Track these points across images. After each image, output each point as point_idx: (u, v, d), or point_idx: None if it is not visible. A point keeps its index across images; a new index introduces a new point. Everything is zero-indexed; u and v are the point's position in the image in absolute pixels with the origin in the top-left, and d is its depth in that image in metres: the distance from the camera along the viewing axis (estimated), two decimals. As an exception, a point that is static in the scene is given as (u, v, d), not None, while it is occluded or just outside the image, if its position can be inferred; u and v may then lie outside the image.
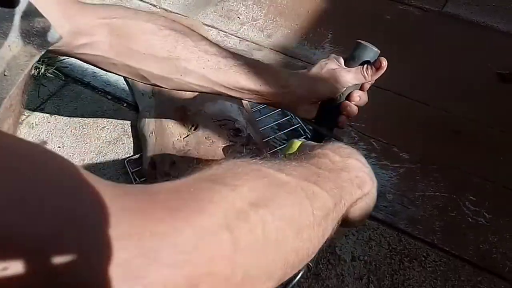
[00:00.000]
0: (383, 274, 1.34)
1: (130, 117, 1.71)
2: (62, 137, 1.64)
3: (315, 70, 1.21)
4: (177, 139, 1.50)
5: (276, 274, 0.62)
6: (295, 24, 2.11)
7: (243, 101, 1.64)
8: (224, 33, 2.07)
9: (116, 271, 0.46)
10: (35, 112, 1.71)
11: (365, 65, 1.18)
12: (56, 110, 1.72)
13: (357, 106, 1.24)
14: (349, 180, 0.80)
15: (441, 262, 1.37)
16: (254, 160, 0.68)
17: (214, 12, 2.17)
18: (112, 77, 1.82)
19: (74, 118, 1.70)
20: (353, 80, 1.19)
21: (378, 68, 1.17)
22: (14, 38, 0.77)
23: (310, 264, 0.86)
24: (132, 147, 1.62)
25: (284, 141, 1.64)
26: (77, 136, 1.65)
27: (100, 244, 0.46)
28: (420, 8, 2.21)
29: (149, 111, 1.62)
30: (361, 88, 1.24)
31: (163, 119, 1.55)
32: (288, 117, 1.70)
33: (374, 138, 1.67)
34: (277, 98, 1.23)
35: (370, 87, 1.26)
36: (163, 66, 1.18)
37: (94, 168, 1.56)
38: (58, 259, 0.44)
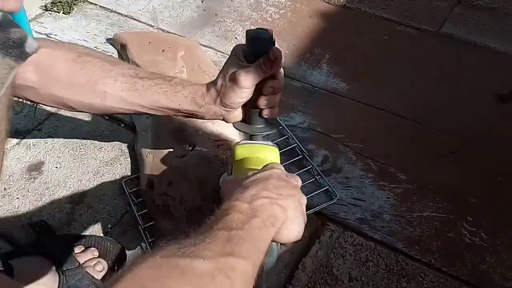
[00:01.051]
0: (381, 295, 1.34)
1: (128, 137, 1.71)
2: (59, 157, 1.64)
3: (220, 81, 1.17)
4: (174, 159, 1.50)
5: None
6: (292, 45, 2.11)
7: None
8: (221, 53, 2.07)
9: None
10: (32, 133, 1.71)
11: (262, 60, 1.10)
12: (53, 131, 1.72)
13: (274, 94, 1.18)
14: (262, 223, 0.81)
15: (438, 282, 1.37)
16: (170, 251, 0.69)
17: (212, 32, 2.18)
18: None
19: (71, 139, 1.70)
20: (254, 79, 1.12)
21: (273, 61, 1.10)
22: None
23: None
24: (130, 168, 1.62)
25: (281, 161, 1.64)
26: (74, 157, 1.65)
27: None
28: (418, 29, 2.22)
29: (146, 131, 1.62)
30: (272, 76, 1.16)
31: (161, 139, 1.55)
32: (285, 137, 1.71)
33: (371, 159, 1.67)
34: (200, 114, 1.23)
35: (279, 74, 1.17)
36: (83, 91, 1.17)
37: (91, 188, 1.56)
38: None
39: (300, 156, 1.65)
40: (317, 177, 1.59)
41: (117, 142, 1.69)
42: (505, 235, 1.48)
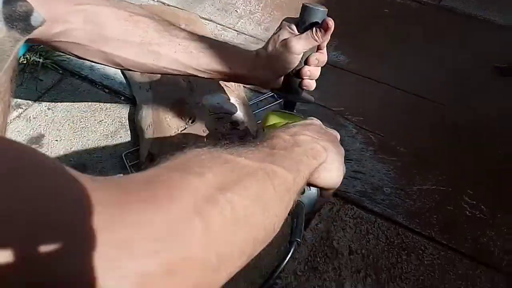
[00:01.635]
0: (381, 268, 1.34)
1: (128, 110, 1.71)
2: (59, 130, 1.64)
3: (271, 46, 1.22)
4: (175, 132, 1.50)
5: (247, 250, 0.67)
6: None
7: (240, 94, 1.64)
8: (221, 26, 2.06)
9: (95, 262, 0.47)
10: (32, 106, 1.71)
11: (314, 29, 1.17)
12: (54, 104, 1.72)
13: (318, 66, 1.25)
14: (304, 153, 0.85)
15: (438, 255, 1.37)
16: (214, 148, 0.71)
17: (212, 5, 2.17)
18: (109, 71, 1.82)
19: (72, 112, 1.69)
20: (305, 45, 1.19)
21: (326, 30, 1.16)
22: None
23: (299, 240, 0.88)
24: (130, 141, 1.62)
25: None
26: (75, 130, 1.64)
27: (81, 237, 0.47)
28: (418, 2, 2.21)
29: (147, 104, 1.61)
30: (318, 48, 1.23)
31: (161, 112, 1.55)
32: (286, 111, 1.70)
33: (371, 132, 1.67)
34: (246, 79, 1.28)
35: (326, 45, 1.24)
36: (136, 51, 1.19)
37: (92, 161, 1.56)
38: (45, 248, 0.45)
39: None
40: (318, 150, 1.59)
41: (117, 115, 1.69)
42: (505, 209, 1.48)
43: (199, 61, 1.22)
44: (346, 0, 2.22)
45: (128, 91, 1.76)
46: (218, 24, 2.07)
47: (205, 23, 2.06)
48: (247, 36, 2.01)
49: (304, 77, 1.24)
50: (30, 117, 1.67)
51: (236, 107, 1.57)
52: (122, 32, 1.17)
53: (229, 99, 1.58)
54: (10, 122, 1.64)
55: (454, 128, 1.70)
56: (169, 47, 1.19)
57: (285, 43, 1.19)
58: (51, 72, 1.82)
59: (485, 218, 1.46)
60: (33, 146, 1.59)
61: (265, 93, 1.76)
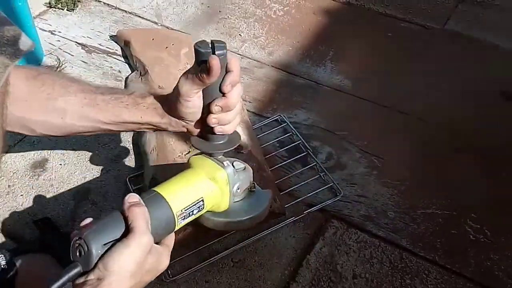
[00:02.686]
0: (385, 292, 1.34)
1: (131, 134, 1.71)
2: (63, 154, 1.64)
3: (173, 90, 1.12)
4: (179, 155, 1.50)
5: None
6: (296, 42, 2.11)
7: (244, 118, 1.64)
8: (225, 50, 2.07)
9: None
10: (36, 129, 1.71)
11: (200, 68, 1.03)
12: (58, 127, 1.72)
13: (224, 111, 1.11)
14: None
15: (442, 279, 1.37)
16: None
17: (216, 29, 2.18)
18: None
19: (76, 136, 1.69)
20: (191, 88, 1.06)
21: (209, 70, 1.01)
22: None
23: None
24: (134, 165, 1.62)
25: (285, 158, 1.64)
26: (78, 154, 1.65)
27: None
28: (422, 26, 2.22)
29: (151, 128, 1.62)
30: (222, 91, 1.08)
31: (164, 136, 1.55)
32: (289, 134, 1.71)
33: (375, 156, 1.67)
34: (161, 126, 1.18)
35: (230, 92, 1.08)
36: (44, 110, 1.14)
37: (96, 185, 1.56)
38: None
39: (304, 153, 1.65)
40: (321, 174, 1.59)
41: (121, 139, 1.70)
42: (509, 232, 1.48)
43: (107, 114, 1.15)
44: (349, 22, 2.23)
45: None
46: (222, 48, 2.08)
47: (209, 47, 2.06)
48: (250, 60, 2.02)
49: (212, 125, 1.12)
50: (33, 141, 1.67)
51: (240, 130, 1.57)
52: (30, 91, 1.13)
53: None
54: (14, 146, 1.65)
55: (459, 153, 1.70)
56: (75, 101, 1.14)
57: (176, 86, 1.10)
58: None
59: (489, 242, 1.46)
60: (37, 170, 1.59)
61: (269, 118, 1.76)
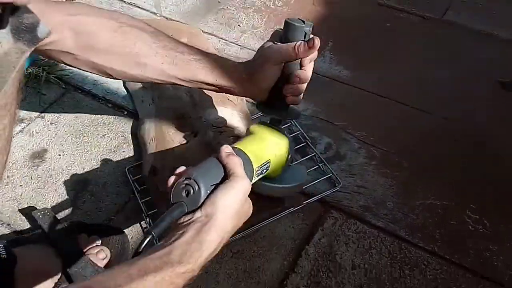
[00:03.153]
0: (384, 283, 1.34)
1: (131, 124, 1.71)
2: (62, 145, 1.64)
3: (255, 58, 1.25)
4: (177, 145, 1.50)
5: None
6: (295, 32, 2.10)
7: (243, 108, 1.64)
8: (224, 41, 2.07)
9: None
10: (35, 120, 1.71)
11: (297, 43, 1.17)
12: (57, 118, 1.72)
13: (301, 83, 1.23)
14: (203, 260, 0.88)
15: (441, 270, 1.37)
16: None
17: (215, 20, 2.18)
18: (112, 85, 1.82)
19: (75, 126, 1.70)
20: (283, 57, 1.19)
21: (310, 47, 1.17)
22: (4, 35, 0.76)
23: (154, 234, 0.89)
24: (133, 155, 1.62)
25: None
26: (78, 144, 1.65)
27: None
28: (421, 16, 2.21)
29: (149, 118, 1.62)
30: (301, 66, 1.22)
31: (163, 126, 1.55)
32: (288, 124, 1.70)
33: (374, 146, 1.67)
34: (233, 91, 1.29)
35: (308, 65, 1.23)
36: (124, 62, 1.22)
37: (95, 176, 1.56)
38: None
39: (303, 144, 1.65)
40: (320, 165, 1.59)
41: (120, 130, 1.70)
42: (508, 223, 1.48)
43: (184, 73, 1.24)
44: (347, 13, 2.22)
45: (131, 106, 1.77)
46: (221, 38, 2.08)
47: (208, 37, 2.07)
48: (250, 50, 2.02)
49: (287, 94, 1.24)
50: (33, 131, 1.67)
51: (238, 121, 1.57)
52: (111, 43, 1.19)
53: (232, 113, 1.59)
54: (14, 137, 1.65)
55: (457, 143, 1.70)
56: (155, 59, 1.22)
57: (264, 54, 1.21)
58: (54, 87, 1.83)
59: (488, 233, 1.46)
60: (36, 160, 1.59)
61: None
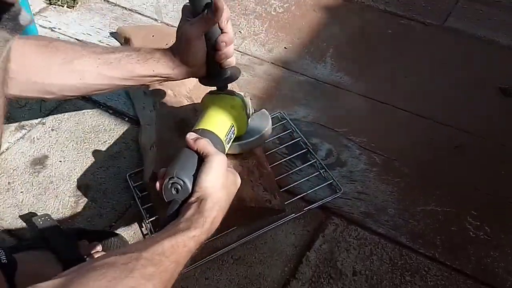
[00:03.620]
0: (385, 289, 1.34)
1: (131, 131, 1.71)
2: (63, 151, 1.64)
3: (176, 41, 1.27)
4: (178, 151, 1.50)
5: None
6: (296, 39, 2.11)
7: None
8: (225, 47, 2.07)
9: None
10: (36, 127, 1.71)
11: (205, 11, 1.18)
12: (58, 125, 1.72)
13: (227, 46, 1.25)
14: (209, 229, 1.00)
15: (442, 276, 1.37)
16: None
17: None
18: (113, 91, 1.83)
19: (76, 133, 1.70)
20: (200, 29, 1.20)
21: (216, 10, 1.16)
22: None
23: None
24: (134, 161, 1.62)
25: (285, 155, 1.64)
26: (79, 151, 1.65)
27: None
28: (422, 23, 2.22)
29: (150, 124, 1.62)
30: (221, 28, 1.23)
31: (164, 132, 1.55)
32: (289, 131, 1.70)
33: (375, 153, 1.67)
34: (172, 76, 1.29)
35: (227, 27, 1.24)
36: (62, 73, 1.21)
37: (96, 182, 1.57)
38: None
39: (304, 150, 1.65)
40: (321, 171, 1.59)
41: (121, 136, 1.70)
42: (509, 229, 1.48)
43: (121, 71, 1.24)
44: (348, 19, 2.23)
45: (132, 112, 1.77)
46: (222, 45, 2.08)
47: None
48: (250, 57, 2.02)
49: (221, 60, 1.26)
50: (34, 138, 1.68)
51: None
52: (44, 57, 1.20)
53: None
54: (14, 143, 1.65)
55: (458, 149, 1.70)
56: (90, 62, 1.22)
57: (183, 32, 1.23)
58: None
59: (489, 239, 1.46)
60: (37, 167, 1.59)
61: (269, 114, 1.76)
